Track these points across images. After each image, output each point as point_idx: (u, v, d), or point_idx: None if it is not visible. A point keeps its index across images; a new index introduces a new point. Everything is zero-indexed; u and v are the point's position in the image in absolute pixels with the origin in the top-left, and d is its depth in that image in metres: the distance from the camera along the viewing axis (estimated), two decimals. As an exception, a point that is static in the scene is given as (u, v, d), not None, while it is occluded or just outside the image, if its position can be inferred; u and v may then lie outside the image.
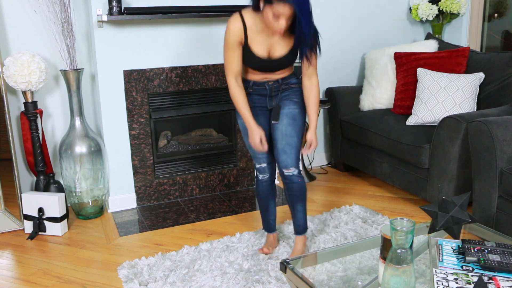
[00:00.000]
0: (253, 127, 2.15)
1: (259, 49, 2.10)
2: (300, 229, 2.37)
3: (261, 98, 2.24)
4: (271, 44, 2.10)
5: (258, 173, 2.37)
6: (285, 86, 2.23)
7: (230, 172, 3.38)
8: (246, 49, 2.11)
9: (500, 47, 4.06)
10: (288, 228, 2.72)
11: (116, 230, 2.82)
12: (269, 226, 2.48)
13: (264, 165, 2.32)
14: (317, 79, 2.20)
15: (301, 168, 3.60)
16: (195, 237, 2.70)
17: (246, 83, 2.22)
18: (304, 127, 2.26)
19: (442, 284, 1.40)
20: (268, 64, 2.14)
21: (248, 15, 2.07)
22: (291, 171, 2.22)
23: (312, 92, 2.19)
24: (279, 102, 2.23)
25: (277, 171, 2.49)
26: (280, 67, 2.17)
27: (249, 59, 2.13)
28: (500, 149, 2.30)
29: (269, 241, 2.49)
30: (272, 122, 2.24)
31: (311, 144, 2.21)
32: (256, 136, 2.16)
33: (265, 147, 2.18)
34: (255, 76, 2.20)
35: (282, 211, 3.01)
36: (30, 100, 2.79)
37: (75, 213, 3.02)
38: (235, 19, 2.07)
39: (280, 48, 2.11)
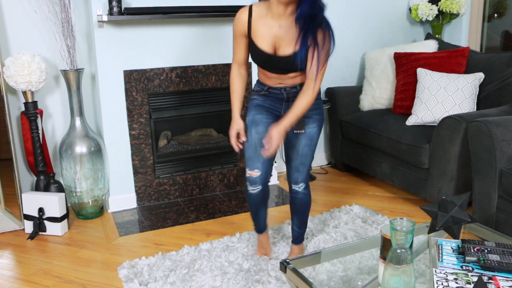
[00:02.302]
0: (234, 119, 2.11)
1: (263, 44, 1.97)
2: (293, 238, 2.38)
3: (276, 103, 2.12)
4: (277, 40, 1.95)
5: (248, 184, 2.16)
6: None
7: (230, 172, 3.38)
8: (251, 43, 2.02)
9: (500, 47, 4.06)
10: (288, 228, 2.72)
11: (116, 230, 2.82)
12: (259, 227, 2.39)
13: (257, 173, 2.11)
14: (313, 95, 1.96)
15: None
16: (195, 237, 2.70)
17: (261, 85, 2.13)
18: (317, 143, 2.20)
19: (442, 284, 1.41)
20: (274, 62, 1.99)
21: (257, 7, 1.98)
22: (299, 186, 2.22)
23: (301, 99, 1.98)
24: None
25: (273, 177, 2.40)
26: (288, 67, 1.99)
27: (254, 54, 2.03)
28: (500, 149, 2.30)
29: (261, 243, 2.43)
30: (295, 131, 2.08)
31: (269, 140, 1.94)
32: (233, 128, 2.10)
33: (236, 148, 2.09)
34: (270, 81, 2.08)
35: (282, 211, 3.02)
36: (30, 100, 2.80)
37: (75, 213, 3.02)
38: (242, 10, 2.01)
39: (285, 44, 1.94)
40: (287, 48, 1.95)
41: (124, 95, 2.99)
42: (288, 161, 2.22)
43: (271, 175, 2.29)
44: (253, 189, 2.17)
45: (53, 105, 3.09)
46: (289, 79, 2.05)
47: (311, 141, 2.14)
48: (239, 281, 2.19)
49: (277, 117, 2.13)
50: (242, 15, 2.00)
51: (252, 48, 2.02)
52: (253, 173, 2.12)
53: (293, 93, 2.07)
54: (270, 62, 2.00)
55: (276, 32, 1.95)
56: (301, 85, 2.05)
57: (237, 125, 2.10)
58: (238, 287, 2.15)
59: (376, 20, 3.86)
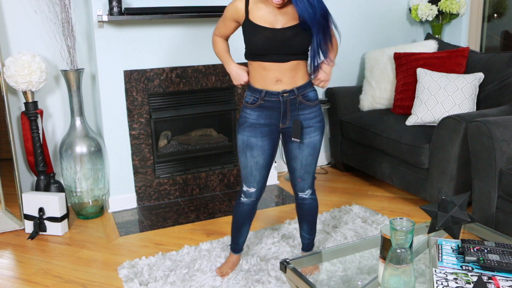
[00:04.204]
0: (235, 69, 2.08)
1: (264, 22, 1.91)
2: (303, 246, 2.34)
3: (273, 114, 2.01)
4: (277, 19, 1.91)
5: (242, 196, 2.18)
6: (302, 99, 2.00)
7: (230, 172, 3.38)
8: (249, 25, 1.93)
9: (499, 47, 4.06)
10: (288, 228, 2.72)
11: (117, 230, 2.82)
12: (237, 246, 2.30)
13: (253, 190, 2.14)
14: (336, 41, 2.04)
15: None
16: (195, 237, 2.70)
17: (255, 93, 2.00)
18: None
19: (442, 284, 1.41)
20: (275, 39, 1.90)
21: None
22: (305, 193, 2.19)
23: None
24: (300, 120, 2.03)
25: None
26: (289, 45, 1.91)
27: (253, 35, 1.92)
28: (500, 149, 2.30)
29: (230, 261, 2.31)
30: (293, 139, 2.01)
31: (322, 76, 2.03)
32: (243, 74, 2.06)
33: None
34: (267, 79, 1.97)
35: (282, 210, 3.02)
36: (30, 100, 2.80)
37: (76, 213, 3.02)
38: None
39: (288, 19, 1.91)
40: (290, 22, 1.92)
41: (124, 95, 2.99)
42: (292, 172, 2.15)
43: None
44: (247, 200, 2.18)
45: (53, 105, 3.09)
46: (288, 72, 1.95)
47: (314, 150, 2.08)
48: (239, 281, 2.19)
49: (273, 138, 2.07)
50: (238, 3, 1.95)
51: (251, 30, 1.93)
52: (250, 189, 2.15)
53: (291, 101, 1.99)
54: (272, 40, 1.90)
55: (276, 13, 1.91)
56: (299, 88, 1.98)
57: (243, 69, 2.08)
58: (238, 287, 2.15)
59: (376, 20, 3.86)
